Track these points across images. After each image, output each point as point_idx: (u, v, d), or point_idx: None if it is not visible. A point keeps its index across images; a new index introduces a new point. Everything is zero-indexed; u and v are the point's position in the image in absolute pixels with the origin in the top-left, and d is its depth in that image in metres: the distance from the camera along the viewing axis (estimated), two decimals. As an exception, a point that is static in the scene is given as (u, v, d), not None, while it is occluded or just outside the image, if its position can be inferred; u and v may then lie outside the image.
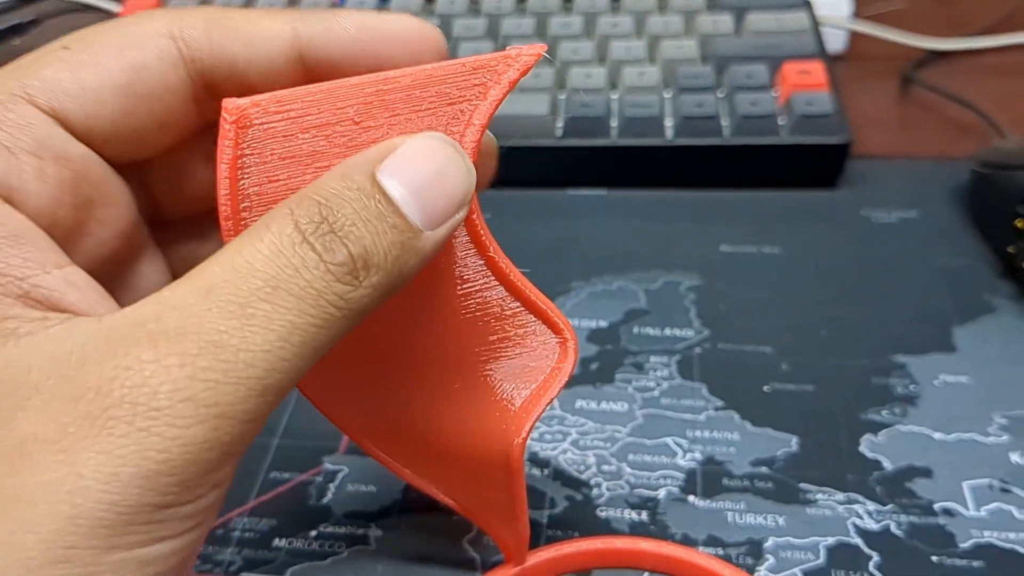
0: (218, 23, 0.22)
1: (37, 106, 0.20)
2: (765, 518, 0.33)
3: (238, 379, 0.18)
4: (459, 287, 0.24)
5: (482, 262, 0.24)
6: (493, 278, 0.24)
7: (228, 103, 0.21)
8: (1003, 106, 0.51)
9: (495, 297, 0.24)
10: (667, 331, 0.40)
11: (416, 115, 0.22)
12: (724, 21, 0.52)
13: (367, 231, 0.19)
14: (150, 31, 0.22)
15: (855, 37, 0.57)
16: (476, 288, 0.24)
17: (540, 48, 0.22)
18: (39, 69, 0.21)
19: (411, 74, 0.22)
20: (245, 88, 0.23)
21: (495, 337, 0.25)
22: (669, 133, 0.47)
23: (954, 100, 0.52)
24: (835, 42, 0.56)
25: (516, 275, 0.24)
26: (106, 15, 0.65)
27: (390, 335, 0.25)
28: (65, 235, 0.21)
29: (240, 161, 0.21)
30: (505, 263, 0.24)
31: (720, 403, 0.37)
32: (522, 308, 0.25)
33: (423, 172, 0.20)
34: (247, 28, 0.22)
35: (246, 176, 0.21)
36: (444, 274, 0.24)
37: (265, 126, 0.21)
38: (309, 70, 0.23)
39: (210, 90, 0.23)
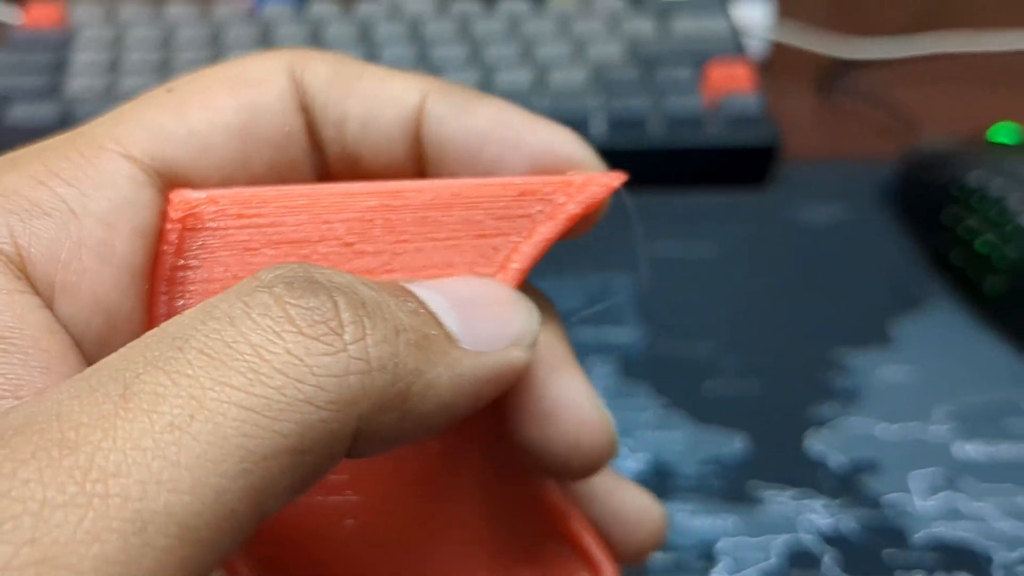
0: (344, 73, 0.18)
1: (130, 157, 0.16)
2: (716, 518, 0.32)
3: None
4: (490, 492, 0.19)
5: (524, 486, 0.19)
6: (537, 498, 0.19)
7: (176, 196, 0.16)
8: (919, 108, 0.52)
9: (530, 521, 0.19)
10: (606, 331, 0.39)
11: (430, 244, 0.17)
12: (646, 26, 0.52)
13: (368, 291, 0.14)
14: (269, 68, 0.18)
15: (774, 45, 0.58)
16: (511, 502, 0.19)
17: (617, 178, 0.18)
18: (137, 114, 0.17)
19: (431, 189, 0.17)
20: (347, 158, 0.18)
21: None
22: (598, 136, 0.46)
23: (873, 103, 0.53)
24: (755, 50, 0.57)
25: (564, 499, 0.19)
26: (5, 27, 0.61)
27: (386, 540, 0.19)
28: (105, 336, 0.16)
29: (180, 275, 0.17)
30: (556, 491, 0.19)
31: (665, 401, 0.36)
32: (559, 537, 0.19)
33: (465, 289, 0.16)
34: (373, 86, 0.18)
35: (187, 295, 0.16)
36: (479, 473, 0.19)
37: (221, 232, 0.17)
38: (425, 156, 0.19)
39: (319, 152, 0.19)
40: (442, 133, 0.18)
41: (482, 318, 0.16)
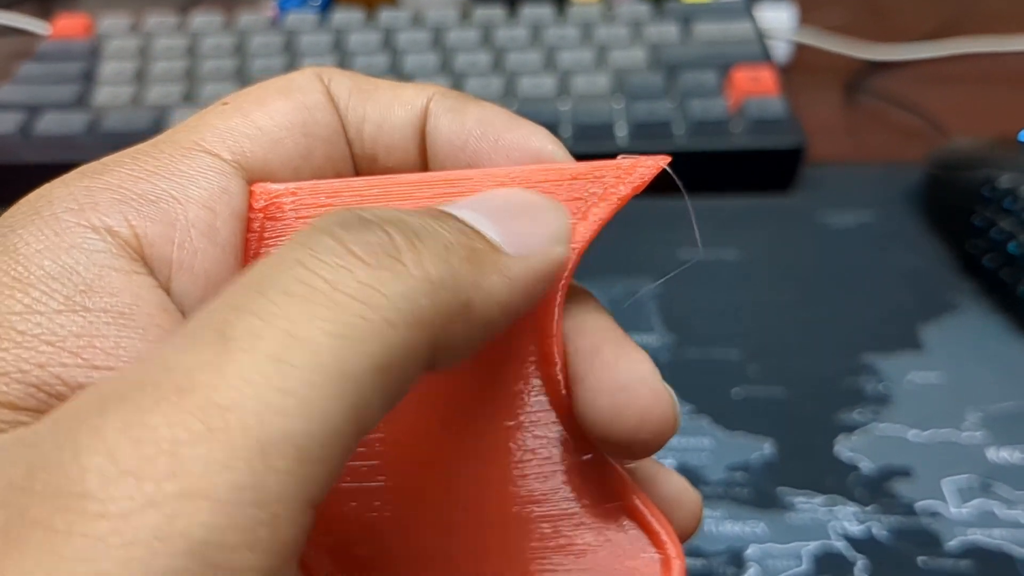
0: (362, 84, 0.20)
1: (215, 154, 0.18)
2: (745, 524, 0.31)
3: (222, 451, 0.12)
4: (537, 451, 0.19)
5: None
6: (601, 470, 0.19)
7: (258, 187, 0.18)
8: (945, 110, 0.51)
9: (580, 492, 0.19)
10: (632, 336, 0.38)
11: None
12: (670, 31, 0.52)
13: (413, 219, 0.15)
14: (305, 78, 0.20)
15: (799, 48, 0.57)
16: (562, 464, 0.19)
17: (662, 160, 0.18)
18: (208, 121, 0.18)
19: (487, 175, 0.18)
20: (365, 157, 0.20)
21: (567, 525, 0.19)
22: (621, 140, 0.46)
23: (899, 106, 0.52)
24: (780, 53, 0.56)
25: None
26: (35, 38, 0.62)
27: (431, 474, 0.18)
28: None
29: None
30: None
31: (691, 408, 0.35)
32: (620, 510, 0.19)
33: (496, 200, 0.17)
34: (387, 94, 0.20)
35: None
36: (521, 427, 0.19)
37: (300, 221, 0.18)
38: (428, 152, 0.20)
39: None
40: (436, 130, 0.20)
41: (519, 224, 0.17)
